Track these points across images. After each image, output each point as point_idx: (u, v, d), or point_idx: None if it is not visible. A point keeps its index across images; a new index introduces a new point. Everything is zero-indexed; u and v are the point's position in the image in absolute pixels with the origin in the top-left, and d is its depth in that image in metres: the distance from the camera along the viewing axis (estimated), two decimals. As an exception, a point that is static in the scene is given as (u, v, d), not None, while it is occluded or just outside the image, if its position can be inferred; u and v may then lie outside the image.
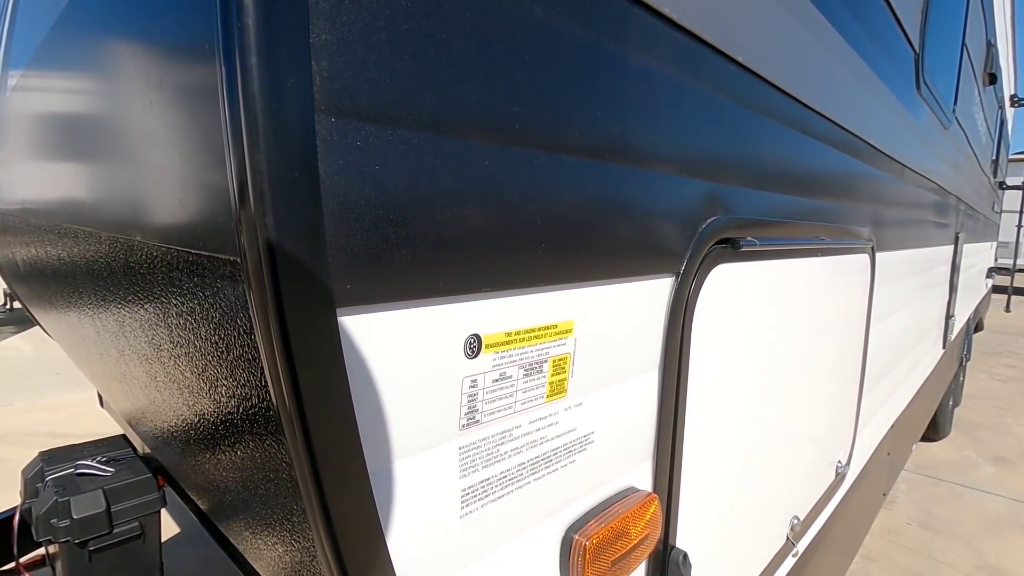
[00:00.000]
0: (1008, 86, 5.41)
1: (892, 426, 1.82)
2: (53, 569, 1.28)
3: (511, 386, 0.39)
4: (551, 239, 0.39)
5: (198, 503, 1.05)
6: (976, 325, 5.44)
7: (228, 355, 0.34)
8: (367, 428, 0.30)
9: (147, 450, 1.29)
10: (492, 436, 0.38)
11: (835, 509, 1.22)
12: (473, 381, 0.36)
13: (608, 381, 0.48)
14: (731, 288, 0.64)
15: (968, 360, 4.60)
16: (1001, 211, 7.13)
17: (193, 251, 0.32)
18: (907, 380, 2.02)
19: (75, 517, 1.25)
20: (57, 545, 1.19)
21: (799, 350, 0.89)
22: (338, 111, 0.26)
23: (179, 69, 0.30)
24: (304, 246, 0.26)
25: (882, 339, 1.49)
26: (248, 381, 0.32)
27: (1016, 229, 6.78)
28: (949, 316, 2.86)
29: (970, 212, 3.25)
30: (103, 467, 1.45)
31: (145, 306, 0.54)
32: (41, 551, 1.34)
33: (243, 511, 0.58)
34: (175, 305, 0.42)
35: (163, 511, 1.24)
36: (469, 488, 0.37)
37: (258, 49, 0.23)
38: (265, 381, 0.28)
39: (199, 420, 0.55)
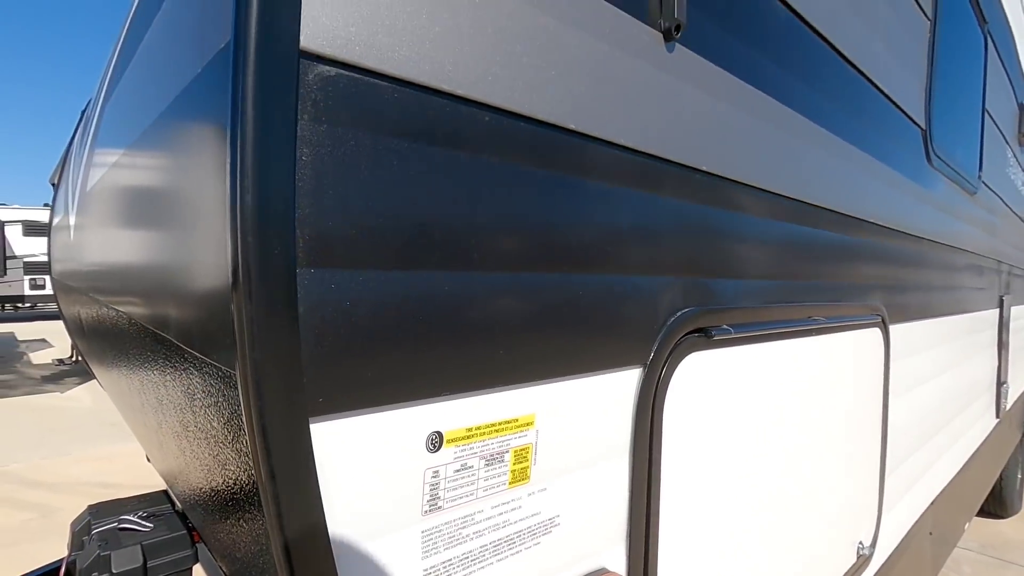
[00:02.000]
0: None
1: (933, 503, 1.72)
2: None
3: (472, 475, 0.44)
4: (509, 345, 0.45)
5: (221, 563, 1.12)
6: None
7: (230, 440, 0.41)
8: (335, 513, 0.36)
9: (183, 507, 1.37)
10: (454, 520, 0.44)
11: (858, 595, 1.17)
12: (435, 472, 0.42)
13: (574, 467, 0.53)
14: (708, 375, 0.68)
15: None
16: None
17: (208, 359, 0.40)
18: (949, 453, 1.92)
19: (114, 572, 1.34)
20: None
21: (795, 432, 0.90)
22: (316, 264, 0.34)
23: (200, 246, 0.39)
24: (283, 370, 0.33)
25: (908, 413, 1.45)
26: (241, 465, 0.39)
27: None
28: (1001, 383, 2.71)
29: (1019, 273, 3.12)
30: (143, 523, 1.54)
31: (173, 387, 0.62)
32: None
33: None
34: (194, 393, 0.50)
35: (196, 567, 1.31)
36: (431, 568, 0.42)
37: (255, 235, 0.31)
38: (250, 466, 0.35)
39: (215, 489, 0.62)
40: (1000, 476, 3.64)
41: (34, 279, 16.89)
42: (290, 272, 0.33)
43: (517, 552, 0.48)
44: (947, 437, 1.89)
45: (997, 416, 2.70)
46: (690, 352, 0.64)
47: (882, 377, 1.24)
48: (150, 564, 1.40)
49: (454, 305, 0.41)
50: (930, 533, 1.73)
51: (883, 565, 1.30)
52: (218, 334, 0.36)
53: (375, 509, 0.39)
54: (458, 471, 0.43)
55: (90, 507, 1.65)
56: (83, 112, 1.75)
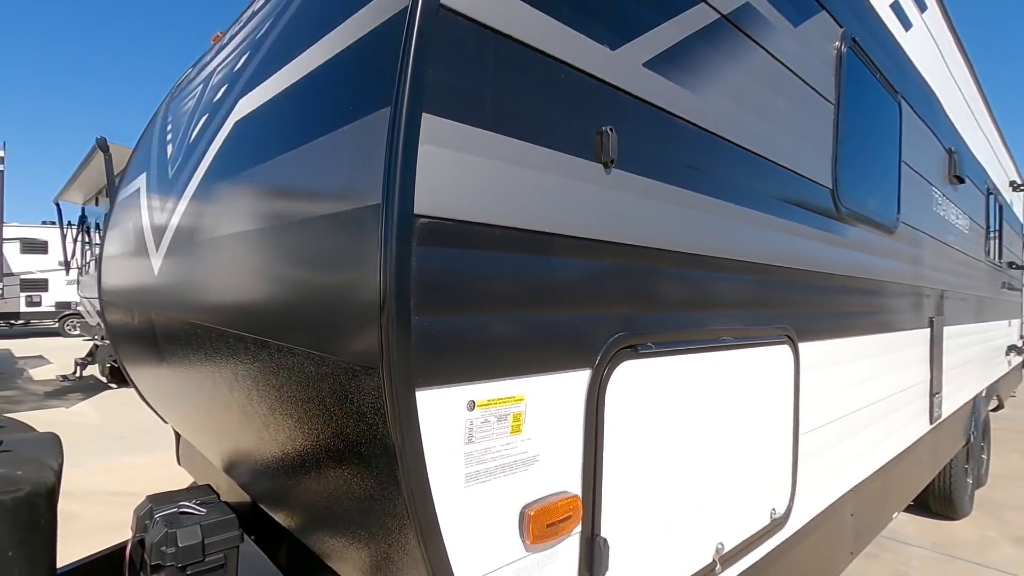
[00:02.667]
0: (1003, 174, 5.74)
1: (855, 489, 2.09)
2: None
3: (490, 425, 0.81)
4: (509, 355, 0.82)
5: (287, 524, 1.46)
6: (996, 405, 5.48)
7: (359, 418, 0.77)
8: (427, 442, 0.73)
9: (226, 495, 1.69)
10: (479, 450, 0.80)
11: (773, 550, 1.53)
12: (470, 422, 0.79)
13: (549, 428, 0.90)
14: (637, 377, 1.05)
15: (982, 439, 4.66)
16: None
17: (350, 361, 0.77)
18: (874, 449, 2.29)
19: (180, 546, 1.70)
20: (163, 571, 1.61)
21: (710, 417, 1.27)
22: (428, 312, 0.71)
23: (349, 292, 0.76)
24: (403, 365, 0.70)
25: (823, 413, 1.83)
26: (373, 431, 0.75)
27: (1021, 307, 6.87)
28: (934, 393, 3.10)
29: (953, 297, 3.53)
30: (198, 508, 1.91)
31: (283, 392, 0.98)
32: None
33: (338, 527, 0.99)
34: (313, 391, 0.86)
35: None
36: (469, 474, 0.79)
37: (394, 291, 0.68)
38: (387, 426, 0.71)
39: (313, 464, 0.98)
40: (948, 480, 4.02)
41: (30, 296, 17.03)
42: (408, 317, 0.70)
43: (514, 474, 0.85)
44: (872, 435, 2.26)
45: (931, 423, 3.08)
46: (623, 361, 1.02)
47: (792, 383, 1.61)
48: (206, 541, 1.78)
49: (482, 341, 0.79)
50: (851, 515, 2.10)
51: (798, 531, 1.67)
52: (367, 346, 0.73)
53: (443, 439, 0.75)
54: (483, 423, 0.80)
55: (149, 497, 2.02)
56: (153, 154, 2.08)
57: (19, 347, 14.43)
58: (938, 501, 4.10)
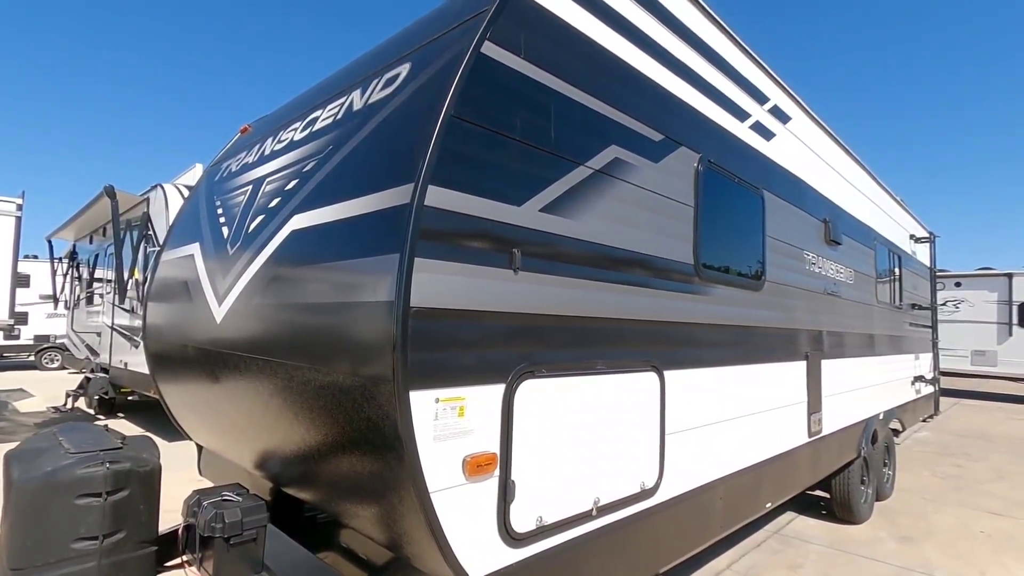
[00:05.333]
0: (901, 231, 6.78)
1: (723, 480, 2.88)
2: (200, 566, 2.39)
3: (447, 412, 1.58)
4: (456, 373, 1.60)
5: (311, 499, 2.18)
6: (900, 428, 6.35)
7: (374, 415, 1.53)
8: (417, 419, 1.50)
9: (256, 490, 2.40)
10: (441, 424, 1.57)
11: (643, 511, 2.29)
12: (436, 410, 1.56)
13: (480, 414, 1.67)
14: (534, 389, 1.84)
15: (887, 456, 5.51)
16: (934, 325, 8.23)
17: (373, 375, 1.53)
18: (742, 451, 3.09)
19: (227, 522, 2.43)
20: (211, 543, 2.32)
21: (593, 414, 2.06)
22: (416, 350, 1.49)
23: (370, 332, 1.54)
24: (405, 378, 1.47)
25: (683, 419, 2.62)
26: (386, 415, 1.51)
27: (933, 342, 7.88)
28: (812, 412, 3.94)
29: (834, 335, 4.41)
30: (236, 496, 2.64)
31: (312, 400, 1.73)
32: (186, 557, 2.48)
33: (355, 497, 1.74)
34: (339, 399, 1.62)
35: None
36: (435, 437, 1.55)
37: (400, 341, 1.46)
38: (396, 422, 1.47)
39: (333, 455, 1.73)
40: (846, 489, 4.82)
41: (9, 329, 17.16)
42: (407, 353, 1.48)
43: (459, 439, 1.61)
44: (741, 439, 3.06)
45: (809, 436, 3.91)
46: (525, 379, 1.80)
47: (658, 398, 2.41)
48: (244, 520, 2.53)
49: (443, 366, 1.57)
50: (720, 498, 2.87)
51: (665, 501, 2.44)
52: (383, 367, 1.49)
53: (423, 418, 1.52)
54: (443, 411, 1.57)
55: (196, 490, 2.76)
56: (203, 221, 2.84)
57: None
58: (840, 507, 4.89)
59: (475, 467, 1.64)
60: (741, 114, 3.21)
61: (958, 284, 14.41)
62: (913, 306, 7.09)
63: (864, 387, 5.14)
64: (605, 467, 2.13)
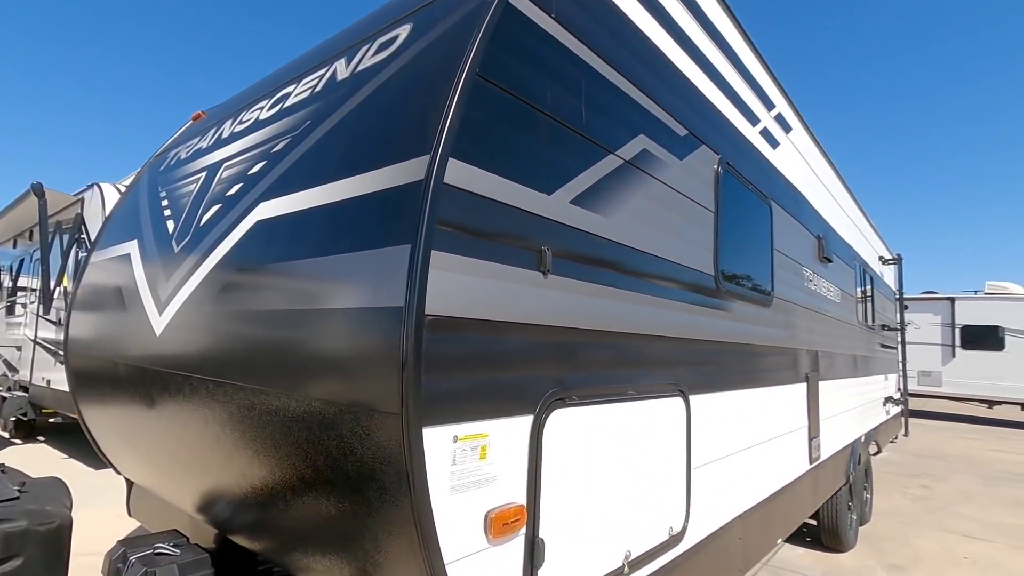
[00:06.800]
0: (872, 251, 6.83)
1: (741, 516, 2.58)
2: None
3: (466, 452, 1.20)
4: (478, 404, 1.23)
5: (268, 552, 1.73)
6: (876, 450, 6.31)
7: (368, 459, 1.14)
8: (430, 462, 1.12)
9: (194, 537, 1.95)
10: (459, 470, 1.19)
11: (670, 562, 1.96)
12: (454, 450, 1.18)
13: (505, 457, 1.30)
14: (565, 420, 1.48)
15: (866, 480, 5.39)
16: (901, 345, 8.35)
17: (370, 405, 1.15)
18: (757, 483, 2.81)
19: None
20: None
21: (624, 450, 1.72)
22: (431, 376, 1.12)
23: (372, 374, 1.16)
24: (417, 410, 1.09)
25: (708, 450, 2.32)
26: (387, 457, 1.12)
27: (902, 362, 7.98)
28: (812, 437, 3.73)
29: (829, 356, 4.26)
30: (172, 548, 2.15)
31: (279, 435, 1.33)
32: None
33: (330, 556, 1.33)
34: (317, 435, 1.23)
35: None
36: (451, 487, 1.18)
37: (412, 361, 1.08)
38: (402, 468, 1.09)
39: (304, 504, 1.33)
40: (834, 516, 4.64)
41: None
42: (420, 378, 1.10)
43: (481, 489, 1.24)
44: (755, 471, 2.79)
45: (810, 463, 3.69)
46: (555, 409, 1.45)
47: (684, 427, 2.10)
48: None
49: (463, 394, 1.20)
50: (740, 538, 2.58)
51: (693, 547, 2.11)
52: (385, 395, 1.11)
53: (439, 462, 1.14)
54: (463, 451, 1.20)
55: (120, 541, 2.24)
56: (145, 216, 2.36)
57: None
58: (828, 535, 4.71)
59: (501, 525, 1.26)
60: (753, 118, 3.00)
61: (905, 307, 15.01)
62: (883, 327, 7.14)
63: (851, 409, 5.02)
64: (635, 511, 1.79)
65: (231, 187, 1.99)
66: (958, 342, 14.34)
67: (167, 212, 2.41)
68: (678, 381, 2.08)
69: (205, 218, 2.04)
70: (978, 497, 6.91)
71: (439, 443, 1.15)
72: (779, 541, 3.14)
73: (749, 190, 2.87)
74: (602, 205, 1.70)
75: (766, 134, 3.20)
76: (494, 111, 1.34)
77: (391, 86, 1.53)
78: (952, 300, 14.59)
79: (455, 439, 1.19)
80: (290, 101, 2.07)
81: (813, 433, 3.75)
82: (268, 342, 1.52)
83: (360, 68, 1.75)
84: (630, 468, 1.77)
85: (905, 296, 15.38)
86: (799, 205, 3.77)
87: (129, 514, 3.17)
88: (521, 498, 1.35)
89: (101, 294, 2.71)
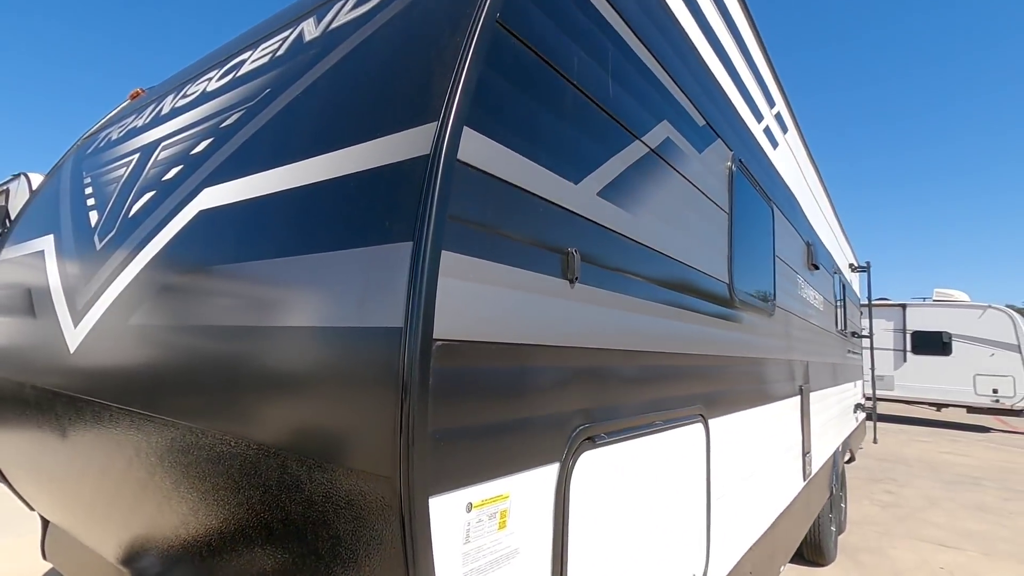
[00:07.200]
0: (844, 258, 6.84)
1: (751, 549, 2.35)
2: None
3: (483, 524, 0.89)
4: (498, 456, 0.93)
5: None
6: (849, 457, 6.29)
7: (349, 536, 0.82)
8: (436, 535, 0.80)
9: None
10: (474, 549, 0.88)
11: (695, 611, 1.69)
12: (468, 523, 0.87)
13: (527, 521, 1.00)
14: (596, 463, 1.19)
15: (840, 489, 5.32)
16: (862, 352, 8.45)
17: (365, 469, 0.83)
18: (763, 510, 2.59)
19: None
20: None
21: (649, 493, 1.43)
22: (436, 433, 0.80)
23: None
24: (422, 475, 0.77)
25: (727, 482, 2.07)
26: (378, 537, 0.81)
27: (871, 369, 8.08)
28: (806, 452, 3.56)
29: (816, 366, 4.12)
30: None
31: (228, 488, 1.00)
32: None
33: None
34: (276, 497, 0.90)
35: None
36: (464, 573, 0.86)
37: (417, 407, 0.77)
38: (398, 556, 0.78)
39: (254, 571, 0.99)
40: (817, 529, 4.51)
41: None
42: (427, 430, 0.78)
43: (500, 568, 0.93)
44: (761, 497, 2.56)
45: (804, 479, 3.52)
46: (584, 452, 1.15)
47: (704, 456, 1.84)
48: None
49: (480, 445, 0.89)
50: (750, 572, 2.34)
51: (712, 592, 1.85)
52: (378, 454, 0.79)
53: (448, 542, 0.83)
54: (478, 522, 0.89)
55: None
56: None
57: None
58: (811, 550, 4.57)
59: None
60: (758, 114, 2.80)
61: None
62: (852, 334, 7.17)
63: (831, 419, 4.92)
64: (659, 564, 1.51)
65: (168, 170, 1.61)
66: (909, 347, 14.82)
67: (90, 201, 1.99)
68: (698, 404, 1.82)
69: (135, 208, 1.65)
70: (942, 502, 7.00)
71: (449, 516, 0.84)
72: (781, 569, 2.94)
73: (756, 191, 2.65)
74: (629, 200, 1.42)
75: (768, 133, 3.01)
76: (516, 71, 1.04)
77: (379, 40, 1.20)
78: (904, 307, 15.08)
79: (469, 507, 0.87)
80: (245, 69, 1.71)
81: (806, 448, 3.59)
82: (211, 368, 1.16)
83: (335, 25, 1.41)
84: (653, 513, 1.49)
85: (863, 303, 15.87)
86: (793, 209, 3.61)
87: (44, 557, 2.70)
88: (546, 573, 1.05)
89: (8, 299, 2.26)
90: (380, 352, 0.82)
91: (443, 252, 0.83)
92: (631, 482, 1.36)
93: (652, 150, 1.56)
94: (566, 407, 1.12)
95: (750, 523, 2.39)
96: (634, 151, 1.46)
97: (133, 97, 2.89)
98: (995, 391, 13.64)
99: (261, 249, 1.14)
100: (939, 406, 14.71)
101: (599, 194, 1.28)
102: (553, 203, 1.11)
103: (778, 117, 3.28)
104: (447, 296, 0.83)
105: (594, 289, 1.23)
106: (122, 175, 1.90)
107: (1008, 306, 14.31)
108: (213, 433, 1.11)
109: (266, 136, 1.32)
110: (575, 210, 1.18)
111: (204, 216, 1.34)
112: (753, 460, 2.45)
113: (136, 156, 1.91)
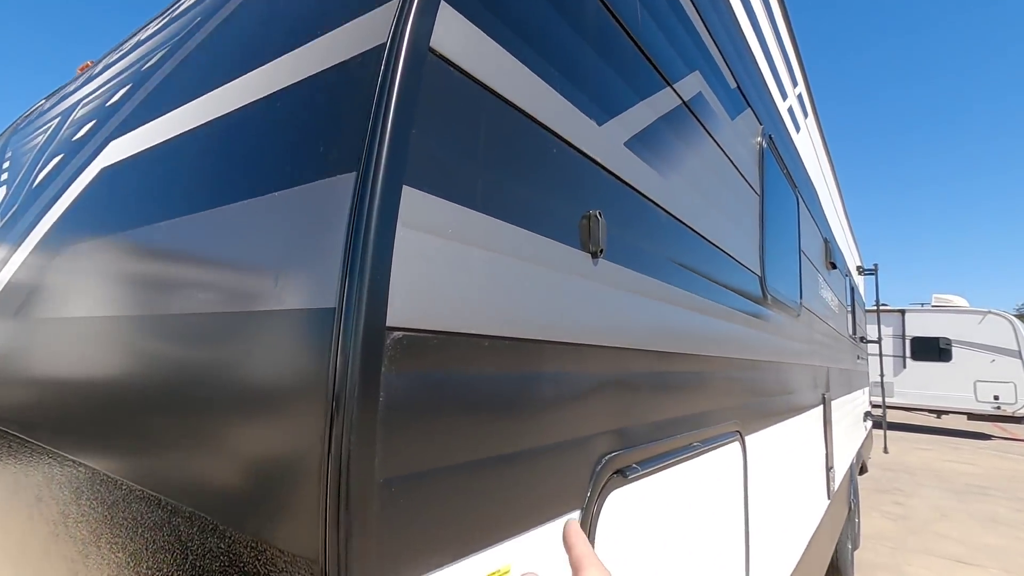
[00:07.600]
0: (852, 259, 6.57)
1: (787, 582, 2.03)
2: None
3: (470, 619, 0.57)
4: (491, 512, 0.60)
5: None
6: (861, 468, 5.99)
7: None
8: None
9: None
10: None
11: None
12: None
13: (535, 599, 0.67)
14: (627, 503, 0.87)
15: (856, 503, 5.01)
16: (868, 358, 8.19)
17: (272, 544, 0.50)
18: (797, 536, 2.28)
19: None
20: None
21: (683, 533, 1.11)
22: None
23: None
24: (363, 560, 0.45)
25: (766, 508, 1.75)
26: None
27: (880, 376, 7.81)
28: (829, 468, 3.25)
29: (835, 373, 3.82)
30: None
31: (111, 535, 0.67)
32: None
33: None
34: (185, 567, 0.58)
35: None
36: None
37: (353, 445, 0.45)
38: None
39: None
40: (836, 549, 4.20)
41: None
42: (372, 485, 0.46)
43: None
44: (794, 521, 2.25)
45: (828, 497, 3.20)
46: (612, 490, 0.83)
47: (742, 480, 1.52)
48: None
49: (462, 500, 0.56)
50: (786, 609, 2.02)
51: (752, 645, 1.53)
52: (308, 540, 0.47)
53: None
54: (462, 618, 0.56)
55: None
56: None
57: None
58: (829, 570, 4.26)
59: None
60: (783, 91, 2.50)
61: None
62: (861, 339, 6.90)
63: (846, 429, 4.62)
64: (699, 623, 1.18)
65: (80, 129, 1.28)
66: (908, 353, 14.61)
67: (3, 176, 1.66)
68: (734, 418, 1.50)
69: (40, 177, 1.32)
70: (953, 514, 6.71)
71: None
72: (811, 599, 2.62)
73: (783, 176, 2.35)
74: (660, 159, 1.10)
75: (792, 114, 2.71)
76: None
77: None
78: (903, 313, 14.88)
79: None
80: (177, 11, 1.39)
81: (830, 463, 3.28)
82: (83, 375, 0.83)
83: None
84: (687, 554, 1.17)
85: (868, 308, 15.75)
86: (813, 200, 3.32)
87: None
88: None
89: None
90: (301, 349, 0.50)
91: (404, 188, 0.51)
92: (665, 521, 1.04)
93: (685, 103, 1.25)
94: (588, 429, 0.80)
95: (786, 551, 2.07)
96: (665, 99, 1.15)
97: (82, 70, 2.57)
98: (996, 397, 13.42)
99: (165, 208, 0.82)
100: (939, 413, 14.48)
101: (626, 144, 0.97)
102: (569, 143, 0.79)
103: (800, 99, 2.99)
104: (409, 259, 0.51)
105: (622, 269, 0.91)
106: (38, 143, 1.57)
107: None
108: (82, 463, 0.78)
109: (186, 70, 0.99)
110: (597, 158, 0.86)
111: (106, 174, 1.01)
112: (785, 480, 2.14)
113: (55, 122, 1.58)
